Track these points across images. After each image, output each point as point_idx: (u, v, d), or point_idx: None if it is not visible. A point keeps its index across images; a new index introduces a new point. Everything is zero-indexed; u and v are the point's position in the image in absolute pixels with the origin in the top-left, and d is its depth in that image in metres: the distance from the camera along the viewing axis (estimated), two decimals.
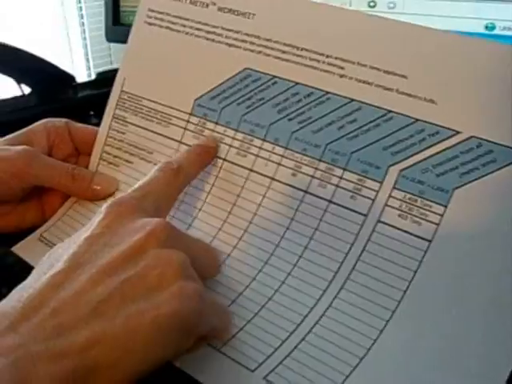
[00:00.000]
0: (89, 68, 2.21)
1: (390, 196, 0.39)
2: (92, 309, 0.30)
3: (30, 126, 0.52)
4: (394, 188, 0.39)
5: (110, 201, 0.36)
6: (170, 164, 0.42)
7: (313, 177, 0.42)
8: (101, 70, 0.81)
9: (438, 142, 0.38)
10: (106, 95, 0.54)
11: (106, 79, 0.57)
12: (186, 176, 0.43)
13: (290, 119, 0.44)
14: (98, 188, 0.50)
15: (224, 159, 0.46)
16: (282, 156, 0.44)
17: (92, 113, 0.71)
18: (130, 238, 0.33)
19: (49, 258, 0.34)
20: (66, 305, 0.30)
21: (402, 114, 0.40)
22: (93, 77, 0.79)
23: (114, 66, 0.55)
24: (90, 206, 0.50)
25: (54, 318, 0.29)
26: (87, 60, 2.19)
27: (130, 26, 0.53)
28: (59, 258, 0.32)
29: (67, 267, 0.31)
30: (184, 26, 0.50)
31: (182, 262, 0.33)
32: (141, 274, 0.31)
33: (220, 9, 0.48)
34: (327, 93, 0.43)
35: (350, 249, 0.39)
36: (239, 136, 0.46)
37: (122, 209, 0.35)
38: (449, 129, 0.38)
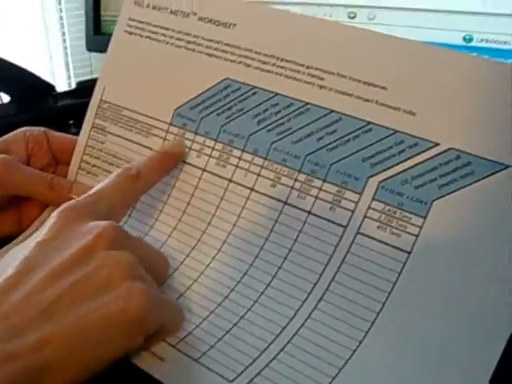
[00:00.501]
0: (69, 77, 2.19)
1: (369, 207, 0.39)
2: (42, 310, 0.31)
3: (9, 135, 0.51)
4: (374, 199, 0.39)
5: (62, 206, 0.37)
6: (129, 170, 0.43)
7: (292, 188, 0.42)
8: (81, 79, 0.82)
9: (417, 154, 0.38)
10: (86, 105, 0.53)
11: (86, 88, 0.56)
12: (144, 182, 0.44)
13: (269, 130, 0.44)
14: (77, 198, 0.48)
15: (203, 169, 0.46)
16: (262, 166, 0.44)
17: (71, 122, 0.71)
18: (79, 242, 0.34)
19: (1, 263, 0.35)
20: (17, 307, 0.30)
21: (381, 126, 0.40)
22: (73, 86, 0.79)
23: (95, 76, 0.55)
24: None
25: (6, 320, 0.30)
26: (67, 69, 2.18)
27: (110, 35, 0.52)
28: (11, 263, 0.33)
29: (18, 271, 0.32)
30: (164, 35, 0.49)
31: (131, 262, 0.34)
32: (89, 275, 0.33)
33: (201, 19, 0.48)
34: (307, 103, 0.43)
35: (330, 260, 0.39)
36: (218, 146, 0.46)
37: (73, 213, 0.37)
38: (428, 140, 0.38)
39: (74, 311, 0.31)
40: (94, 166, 0.52)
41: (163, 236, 0.46)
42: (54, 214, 0.36)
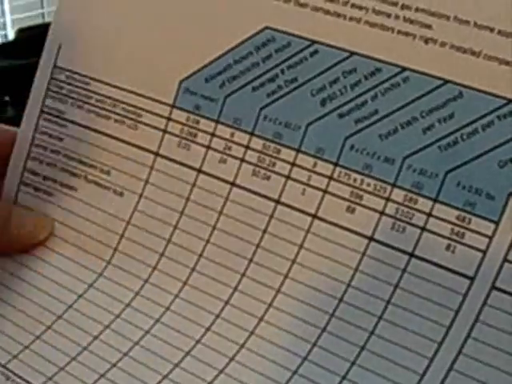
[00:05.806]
0: (4, 24, 2.01)
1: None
2: None
3: None
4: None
5: None
6: None
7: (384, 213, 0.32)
8: (24, 25, 0.72)
9: None
10: (32, 69, 0.42)
11: (31, 41, 0.48)
12: None
13: (341, 115, 0.32)
14: (18, 233, 0.39)
15: (232, 183, 0.35)
16: (331, 178, 0.33)
17: (7, 99, 0.60)
18: None
19: None
20: None
21: None
22: (10, 37, 0.70)
23: (47, 21, 0.49)
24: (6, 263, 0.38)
25: None
26: (1, 12, 1.99)
27: None
28: None
29: None
30: None
31: None
32: None
33: None
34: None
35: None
36: (257, 144, 0.35)
37: None
38: None
39: None
40: (46, 178, 0.41)
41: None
42: None
